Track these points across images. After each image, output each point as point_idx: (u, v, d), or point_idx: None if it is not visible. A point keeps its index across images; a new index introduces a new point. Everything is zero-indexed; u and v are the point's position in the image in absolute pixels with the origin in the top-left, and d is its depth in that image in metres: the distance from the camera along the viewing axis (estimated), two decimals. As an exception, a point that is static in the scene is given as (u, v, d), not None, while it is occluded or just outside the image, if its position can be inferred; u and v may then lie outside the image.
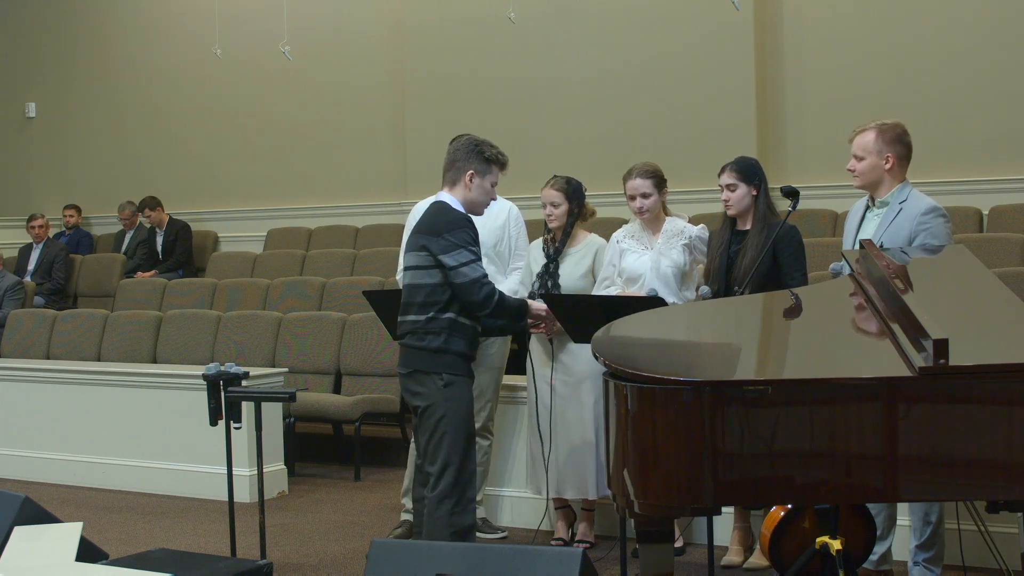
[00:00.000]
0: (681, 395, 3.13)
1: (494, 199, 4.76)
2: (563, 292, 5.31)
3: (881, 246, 4.36)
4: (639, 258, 5.24)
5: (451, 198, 4.62)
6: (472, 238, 4.52)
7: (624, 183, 5.27)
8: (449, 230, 4.50)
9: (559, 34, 9.40)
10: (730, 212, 5.02)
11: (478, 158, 4.60)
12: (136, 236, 11.16)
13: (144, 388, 7.14)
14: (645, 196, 5.21)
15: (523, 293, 5.53)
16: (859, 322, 3.70)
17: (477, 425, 5.59)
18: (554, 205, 5.42)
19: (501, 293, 4.59)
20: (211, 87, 11.30)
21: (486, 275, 4.54)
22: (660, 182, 5.25)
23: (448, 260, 4.46)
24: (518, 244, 5.69)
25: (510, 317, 4.67)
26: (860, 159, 4.57)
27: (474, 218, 5.05)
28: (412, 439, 5.60)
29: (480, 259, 4.55)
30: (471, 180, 4.60)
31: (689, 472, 3.14)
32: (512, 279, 5.63)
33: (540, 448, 5.39)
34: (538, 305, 4.80)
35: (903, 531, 4.81)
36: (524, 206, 7.60)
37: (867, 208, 4.66)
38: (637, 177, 5.22)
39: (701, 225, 5.36)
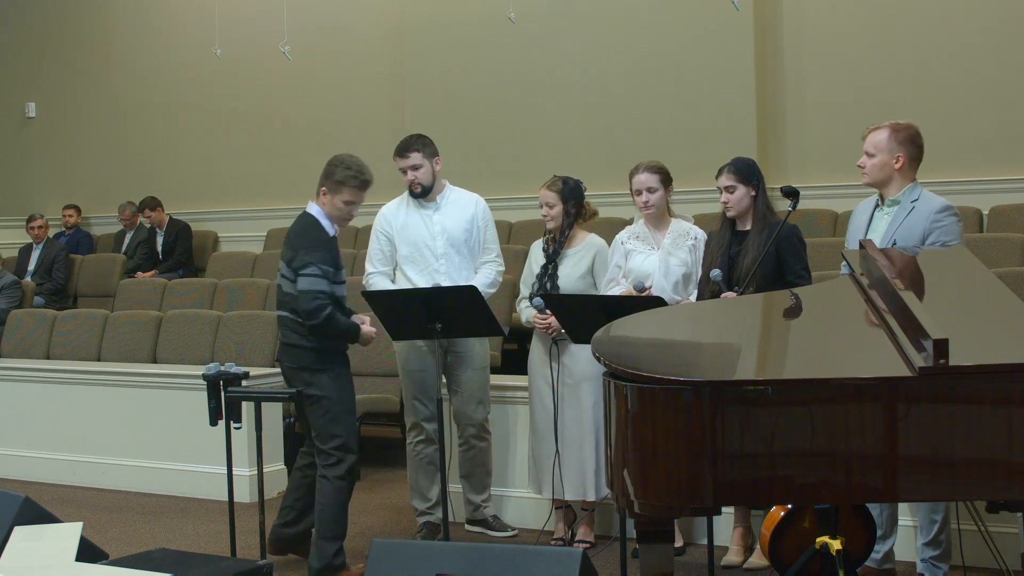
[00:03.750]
0: (681, 395, 3.13)
1: (346, 216, 5.11)
2: (562, 293, 5.31)
3: (894, 244, 4.37)
4: (647, 258, 5.24)
5: (318, 210, 5.08)
6: (323, 256, 4.99)
7: (630, 179, 5.28)
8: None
9: (559, 34, 9.39)
10: (729, 214, 5.02)
11: (330, 178, 5.06)
12: (136, 236, 11.16)
13: (144, 388, 7.14)
14: (651, 191, 5.22)
15: (523, 292, 5.53)
16: (859, 322, 3.70)
17: (474, 429, 5.62)
18: (549, 206, 5.42)
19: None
20: (211, 87, 11.29)
21: (320, 291, 4.93)
22: (666, 179, 5.26)
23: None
24: (486, 237, 5.68)
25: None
26: (871, 156, 4.59)
27: (441, 210, 5.57)
28: (411, 442, 5.61)
29: (324, 276, 4.95)
30: (324, 195, 5.07)
31: (689, 472, 3.14)
32: (484, 273, 5.61)
33: (540, 448, 5.39)
34: (368, 331, 5.09)
35: (905, 530, 4.81)
36: (524, 206, 7.62)
37: (876, 207, 4.67)
38: (644, 172, 5.23)
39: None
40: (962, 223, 4.60)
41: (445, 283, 5.41)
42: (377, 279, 5.63)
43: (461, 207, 5.63)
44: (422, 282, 5.49)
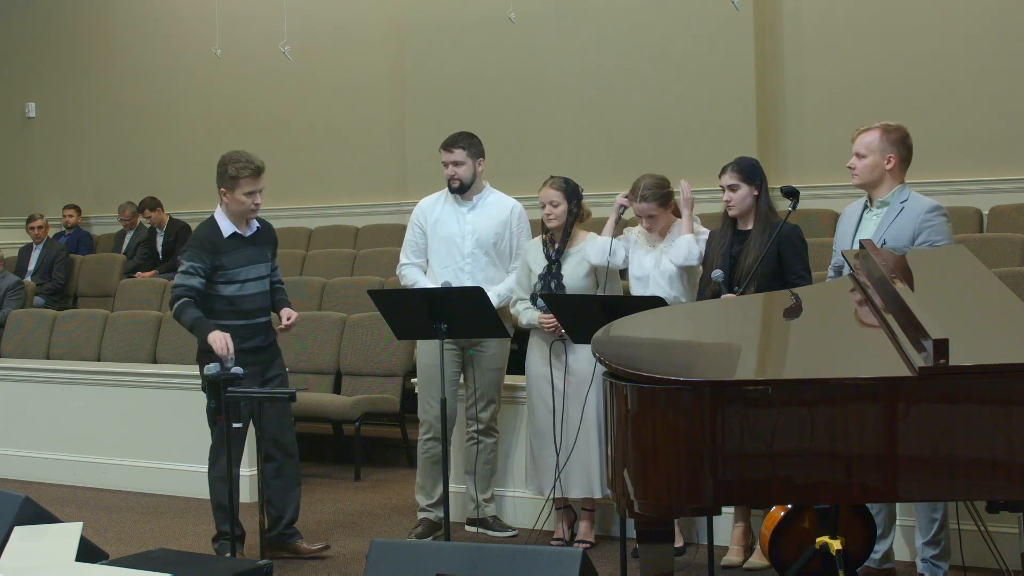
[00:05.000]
0: (681, 395, 3.13)
1: (250, 207, 5.29)
2: (566, 292, 5.32)
3: (883, 245, 4.37)
4: (645, 255, 5.28)
5: (219, 211, 5.33)
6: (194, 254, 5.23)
7: (631, 201, 5.30)
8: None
9: (559, 34, 9.39)
10: (731, 213, 5.03)
11: (223, 177, 5.25)
12: (136, 236, 11.16)
13: (144, 388, 7.14)
14: (651, 217, 5.26)
15: (520, 293, 5.53)
16: (859, 322, 3.71)
17: (481, 425, 5.64)
18: (553, 204, 5.43)
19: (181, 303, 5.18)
20: (212, 87, 11.30)
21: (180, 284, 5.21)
22: (665, 199, 5.26)
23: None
24: (519, 243, 5.70)
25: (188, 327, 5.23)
26: (862, 157, 4.60)
27: (475, 210, 5.62)
28: (421, 438, 5.61)
29: (189, 271, 5.20)
30: (224, 195, 5.27)
31: (689, 472, 3.14)
32: (509, 280, 5.63)
33: (541, 448, 5.40)
34: (220, 337, 5.04)
35: (904, 530, 4.81)
36: (524, 206, 7.59)
37: (865, 208, 4.68)
38: (642, 201, 5.24)
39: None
40: (951, 223, 4.64)
41: (468, 282, 5.45)
42: (409, 270, 5.73)
43: (496, 210, 5.68)
44: (446, 278, 5.56)
